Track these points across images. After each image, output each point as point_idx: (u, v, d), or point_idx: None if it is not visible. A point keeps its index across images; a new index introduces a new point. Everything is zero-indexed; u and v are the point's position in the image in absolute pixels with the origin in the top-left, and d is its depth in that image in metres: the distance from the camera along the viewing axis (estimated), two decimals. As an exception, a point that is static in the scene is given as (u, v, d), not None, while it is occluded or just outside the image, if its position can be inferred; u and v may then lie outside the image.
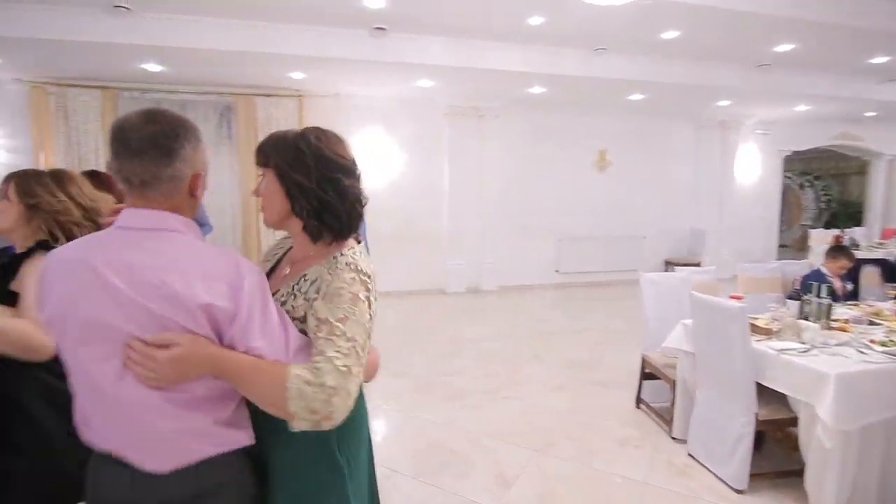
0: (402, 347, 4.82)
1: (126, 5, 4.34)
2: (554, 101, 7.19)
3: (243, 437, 0.95)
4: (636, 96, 6.86)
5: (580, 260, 7.88)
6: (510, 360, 4.51)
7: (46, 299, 0.89)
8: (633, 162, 8.09)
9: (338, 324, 0.91)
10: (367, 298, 0.97)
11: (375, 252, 7.07)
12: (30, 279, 1.36)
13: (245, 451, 0.96)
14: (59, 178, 1.63)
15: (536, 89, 6.48)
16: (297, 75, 5.76)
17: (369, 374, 1.08)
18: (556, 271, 7.86)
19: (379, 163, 6.92)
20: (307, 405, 0.85)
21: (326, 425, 0.88)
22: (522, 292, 7.49)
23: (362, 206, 1.08)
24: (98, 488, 0.93)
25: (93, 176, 2.40)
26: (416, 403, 3.60)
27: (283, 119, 6.37)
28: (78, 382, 0.90)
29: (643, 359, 3.41)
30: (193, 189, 0.95)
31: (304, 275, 1.01)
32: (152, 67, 5.34)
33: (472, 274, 7.47)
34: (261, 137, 4.72)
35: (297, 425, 0.87)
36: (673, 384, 3.01)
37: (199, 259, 0.89)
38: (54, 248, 1.35)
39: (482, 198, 7.37)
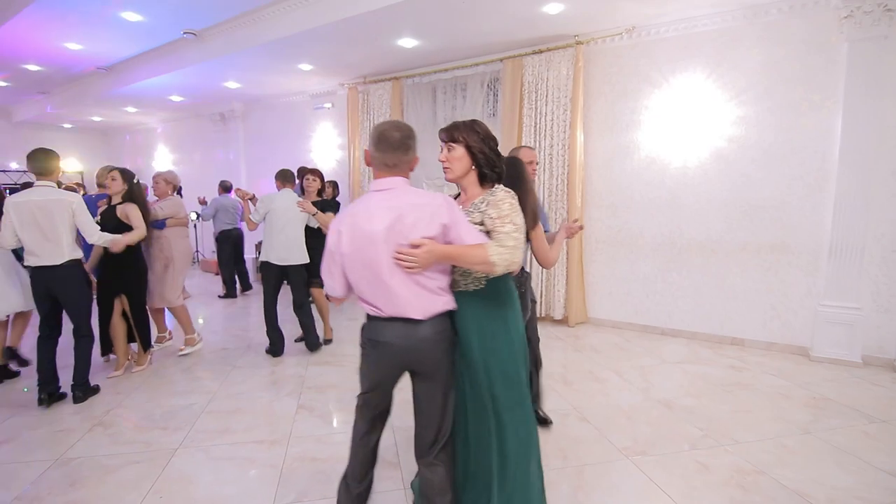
0: (649, 461, 2.57)
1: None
2: None
3: (451, 301, 1.67)
4: None
5: None
6: None
7: (341, 220, 1.64)
8: None
9: (505, 216, 1.61)
10: (513, 204, 1.64)
11: (658, 267, 4.55)
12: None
13: (449, 314, 1.69)
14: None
15: None
16: (553, 8, 4.10)
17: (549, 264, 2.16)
18: None
19: (694, 126, 4.34)
20: (502, 260, 1.53)
21: (513, 268, 1.58)
22: None
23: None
24: (380, 334, 1.63)
25: None
26: None
27: (554, 80, 4.82)
28: (359, 275, 1.60)
29: None
30: (412, 167, 1.70)
31: (474, 202, 1.71)
32: (407, 43, 4.95)
33: (882, 331, 3.73)
34: (525, 105, 3.84)
35: (497, 271, 1.54)
36: None
37: (423, 198, 1.60)
38: None
39: (932, 178, 3.52)
